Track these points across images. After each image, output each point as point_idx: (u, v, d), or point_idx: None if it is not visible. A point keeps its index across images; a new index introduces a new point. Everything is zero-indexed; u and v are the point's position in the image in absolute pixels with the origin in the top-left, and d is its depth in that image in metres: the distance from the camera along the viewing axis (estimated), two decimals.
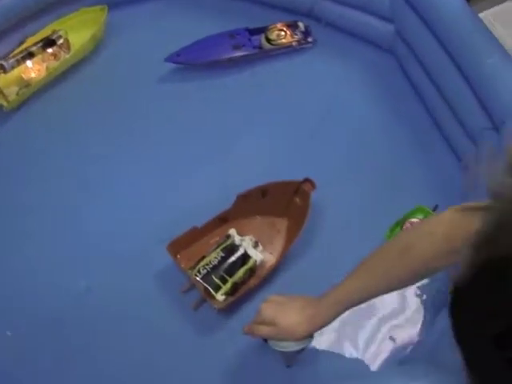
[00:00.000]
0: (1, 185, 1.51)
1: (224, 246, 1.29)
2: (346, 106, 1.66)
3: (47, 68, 1.69)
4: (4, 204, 1.47)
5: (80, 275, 1.33)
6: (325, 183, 1.36)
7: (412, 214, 1.37)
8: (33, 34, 1.74)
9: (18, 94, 1.64)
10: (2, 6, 1.63)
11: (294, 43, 1.75)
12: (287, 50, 1.77)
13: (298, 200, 1.38)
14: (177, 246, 1.30)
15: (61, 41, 1.68)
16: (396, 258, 0.97)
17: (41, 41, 1.66)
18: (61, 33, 1.69)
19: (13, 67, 1.60)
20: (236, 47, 1.72)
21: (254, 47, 1.73)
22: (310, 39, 1.78)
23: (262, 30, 1.77)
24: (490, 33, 1.39)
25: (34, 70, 1.68)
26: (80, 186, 1.49)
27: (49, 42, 1.67)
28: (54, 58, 1.70)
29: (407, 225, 1.35)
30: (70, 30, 1.73)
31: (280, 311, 1.05)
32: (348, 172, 1.50)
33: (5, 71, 1.58)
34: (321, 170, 1.45)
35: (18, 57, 1.61)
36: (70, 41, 1.71)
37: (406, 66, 1.71)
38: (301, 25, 1.80)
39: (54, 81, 1.71)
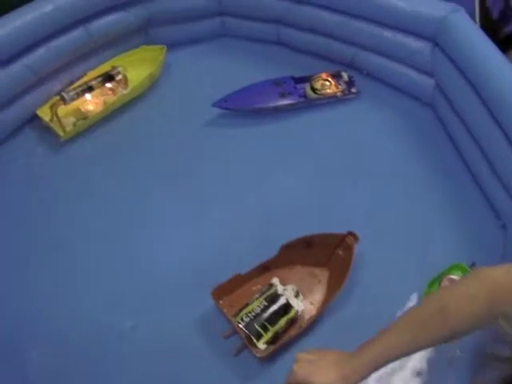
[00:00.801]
0: (49, 216, 1.56)
1: (267, 294, 1.32)
2: (386, 158, 1.70)
3: (105, 102, 1.76)
4: (53, 237, 1.52)
5: (126, 314, 1.37)
6: (364, 235, 1.38)
7: (449, 270, 1.38)
8: (93, 69, 1.83)
9: (74, 125, 1.71)
10: (65, 40, 1.71)
11: (338, 93, 1.80)
12: (331, 100, 1.81)
13: (340, 252, 1.40)
14: (220, 292, 1.33)
15: (119, 77, 1.75)
16: (434, 317, 0.97)
17: (100, 76, 1.73)
18: (120, 69, 1.76)
19: (73, 99, 1.66)
20: (282, 95, 1.77)
21: (300, 96, 1.78)
22: (353, 90, 1.83)
23: (307, 79, 1.82)
24: None
25: (92, 103, 1.75)
26: (127, 224, 1.54)
27: (108, 78, 1.74)
28: (112, 92, 1.78)
29: (445, 281, 1.36)
30: (128, 67, 1.81)
31: (313, 371, 1.03)
32: (387, 224, 1.53)
33: (65, 102, 1.65)
34: (360, 221, 1.49)
35: (78, 90, 1.67)
36: (128, 77, 1.78)
37: (445, 120, 1.76)
38: (344, 75, 1.85)
39: (110, 115, 1.79)
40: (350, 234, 1.38)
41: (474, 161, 1.61)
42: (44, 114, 1.71)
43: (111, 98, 1.77)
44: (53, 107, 1.65)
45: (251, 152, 1.71)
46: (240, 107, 1.75)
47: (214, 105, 1.72)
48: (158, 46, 1.90)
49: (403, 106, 1.84)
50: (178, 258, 1.47)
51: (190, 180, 1.64)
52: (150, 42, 1.95)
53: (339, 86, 1.81)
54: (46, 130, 1.73)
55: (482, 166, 1.57)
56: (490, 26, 1.91)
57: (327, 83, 1.80)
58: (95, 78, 1.71)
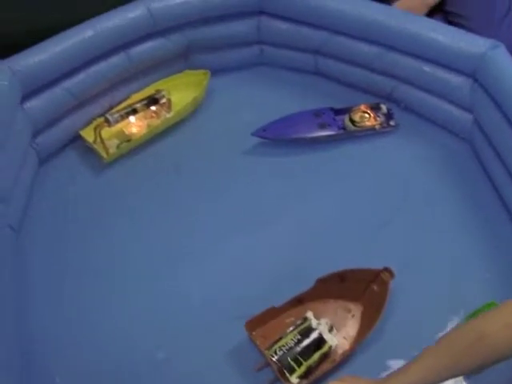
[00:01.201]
0: (86, 238, 1.59)
1: (301, 328, 1.33)
2: (421, 192, 1.70)
3: (148, 125, 1.79)
4: (89, 260, 1.55)
5: (158, 345, 1.37)
6: (397, 269, 1.39)
7: (484, 308, 1.36)
8: (137, 91, 1.86)
9: (118, 147, 1.73)
10: (105, 65, 1.75)
11: (376, 126, 1.81)
12: (369, 132, 1.82)
13: (375, 287, 1.41)
14: (254, 324, 1.34)
15: (163, 100, 1.78)
16: (468, 346, 0.99)
17: (145, 99, 1.76)
18: (164, 93, 1.78)
19: (117, 121, 1.69)
20: (321, 126, 1.79)
21: (339, 127, 1.79)
22: (392, 123, 1.84)
23: (347, 111, 1.83)
24: None
25: (135, 125, 1.78)
26: (165, 251, 1.56)
27: (152, 101, 1.76)
28: (156, 116, 1.81)
29: None
30: (172, 91, 1.84)
31: None
32: (420, 259, 1.53)
33: (109, 125, 1.68)
34: (393, 255, 1.50)
35: (123, 112, 1.70)
36: (172, 100, 1.81)
37: (482, 156, 1.75)
38: (383, 107, 1.86)
39: (151, 138, 1.81)
40: (386, 269, 1.39)
41: (511, 197, 1.60)
42: (87, 135, 1.74)
43: (155, 121, 1.80)
44: (97, 129, 1.67)
45: (288, 181, 1.72)
46: (279, 137, 1.77)
47: (253, 134, 1.74)
48: (202, 71, 1.93)
49: (440, 140, 1.84)
50: (212, 288, 1.48)
51: (225, 206, 1.65)
52: (190, 67, 1.98)
53: (378, 119, 1.82)
54: (87, 152, 1.76)
55: None
56: None
57: (366, 115, 1.81)
58: (140, 101, 1.74)
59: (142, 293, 1.47)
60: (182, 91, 1.89)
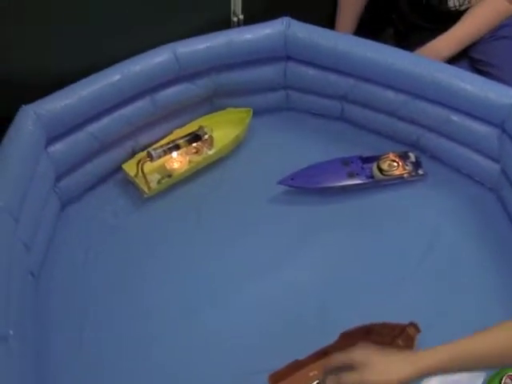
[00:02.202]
0: (105, 282, 1.60)
1: None
2: (447, 245, 1.70)
3: (190, 161, 1.83)
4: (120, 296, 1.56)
5: None
6: (422, 325, 1.37)
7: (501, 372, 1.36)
8: (180, 127, 1.91)
9: (159, 182, 1.77)
10: (135, 108, 1.78)
11: (405, 175, 1.81)
12: (397, 181, 1.83)
13: (400, 342, 1.39)
14: (277, 377, 1.34)
15: (206, 137, 1.81)
16: None
17: (188, 135, 1.79)
18: (206, 129, 1.81)
19: (159, 157, 1.72)
20: (350, 175, 1.79)
21: (367, 176, 1.79)
22: (420, 172, 1.84)
23: (375, 159, 1.83)
24: None
25: (177, 161, 1.82)
26: (187, 298, 1.58)
27: (195, 137, 1.80)
28: (197, 152, 1.84)
29: (506, 379, 1.35)
30: (215, 128, 1.87)
31: (376, 352, 1.10)
32: (446, 315, 1.52)
33: (151, 160, 1.71)
34: (418, 311, 1.47)
35: (165, 147, 1.73)
36: (214, 138, 1.84)
37: (509, 208, 1.75)
38: (412, 156, 1.87)
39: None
40: (412, 324, 1.37)
41: None
42: (129, 169, 1.78)
43: (196, 158, 1.85)
44: (139, 163, 1.71)
45: (313, 230, 1.73)
46: (306, 185, 1.77)
47: (279, 182, 1.75)
48: (244, 109, 1.98)
49: (467, 190, 1.84)
50: (235, 338, 1.48)
51: (250, 253, 1.67)
52: (215, 111, 2.00)
53: (406, 168, 1.82)
54: (108, 196, 1.81)
55: None
56: None
57: (395, 164, 1.82)
58: (183, 137, 1.78)
59: (159, 346, 1.47)
60: (224, 128, 1.93)
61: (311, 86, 2.01)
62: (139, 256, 1.66)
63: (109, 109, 1.72)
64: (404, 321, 1.38)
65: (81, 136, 1.68)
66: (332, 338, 1.38)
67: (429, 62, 1.81)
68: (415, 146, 1.94)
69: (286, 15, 1.93)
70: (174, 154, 1.81)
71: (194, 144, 1.83)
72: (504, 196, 1.77)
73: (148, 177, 1.75)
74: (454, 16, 1.98)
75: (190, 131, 1.83)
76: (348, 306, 1.53)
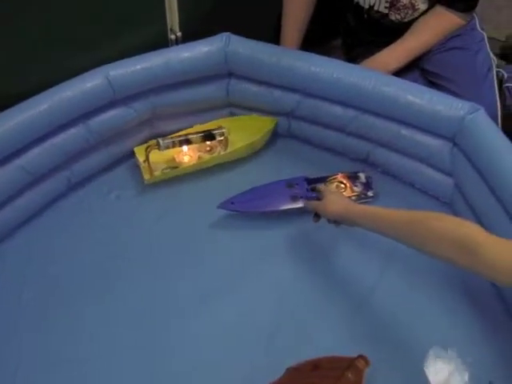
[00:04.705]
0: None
1: None
2: (402, 265, 1.68)
3: (199, 157, 1.84)
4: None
5: None
6: (373, 357, 1.34)
7: None
8: (202, 123, 1.93)
9: (162, 171, 1.79)
10: (68, 136, 1.73)
11: (353, 197, 1.78)
12: None
13: (350, 375, 1.36)
14: None
15: (221, 138, 1.82)
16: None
17: (203, 132, 1.80)
18: (224, 130, 1.81)
19: (167, 147, 1.74)
20: (294, 198, 1.75)
21: (313, 199, 1.73)
22: (370, 193, 1.81)
23: (322, 181, 1.80)
24: None
25: (187, 155, 1.85)
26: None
27: (209, 136, 1.80)
28: (209, 150, 1.87)
29: None
30: (234, 130, 1.87)
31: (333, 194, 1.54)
32: (395, 350, 1.49)
33: (159, 148, 1.73)
34: (368, 342, 1.47)
35: (176, 139, 1.76)
36: (231, 140, 1.86)
37: None
38: (362, 176, 1.84)
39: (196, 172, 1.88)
40: (361, 356, 1.34)
41: None
42: (140, 154, 1.83)
43: (206, 156, 1.87)
44: (147, 149, 1.75)
45: (253, 261, 1.69)
46: (247, 210, 1.74)
47: (219, 207, 1.71)
48: (270, 118, 1.98)
49: (421, 205, 1.82)
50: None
51: (197, 282, 1.64)
52: (156, 134, 1.95)
53: (355, 189, 1.80)
54: (40, 234, 1.75)
55: None
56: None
57: (342, 186, 1.80)
58: (197, 133, 1.80)
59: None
60: (242, 133, 1.93)
61: (255, 102, 1.99)
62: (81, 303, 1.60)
63: (39, 138, 1.66)
64: (357, 351, 1.35)
65: (9, 169, 1.61)
66: (282, 370, 1.36)
67: (376, 75, 1.79)
68: (366, 161, 1.93)
69: (228, 30, 1.90)
70: (185, 147, 1.85)
71: (209, 142, 1.87)
72: (458, 210, 1.76)
73: (155, 165, 1.80)
74: (401, 28, 1.95)
75: (207, 128, 1.85)
76: (299, 335, 1.50)
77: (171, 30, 1.96)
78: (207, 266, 1.67)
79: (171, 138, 1.79)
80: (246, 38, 1.90)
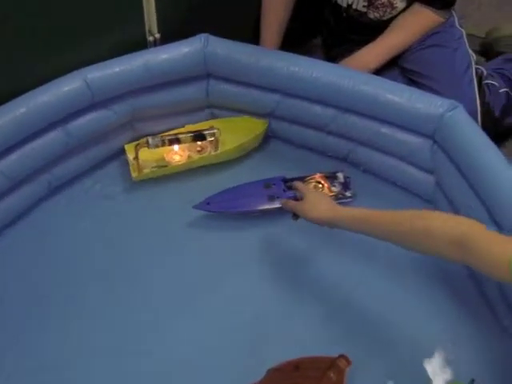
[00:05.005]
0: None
1: None
2: (385, 263, 1.69)
3: (189, 157, 1.85)
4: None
5: None
6: (355, 356, 1.35)
7: None
8: (194, 123, 1.95)
9: (151, 169, 1.80)
10: (47, 140, 1.72)
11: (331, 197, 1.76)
12: None
13: (332, 375, 1.36)
14: None
15: (211, 139, 1.82)
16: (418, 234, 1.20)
17: (193, 132, 1.81)
18: (215, 131, 1.81)
19: (156, 146, 1.75)
20: (271, 198, 1.75)
21: (289, 199, 1.73)
22: (348, 193, 1.81)
23: (299, 181, 1.78)
24: None
25: (177, 154, 1.86)
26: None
27: (199, 136, 1.81)
28: (200, 151, 1.88)
29: None
30: (225, 131, 1.87)
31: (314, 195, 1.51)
32: (376, 348, 1.50)
33: (148, 146, 1.74)
34: (348, 344, 1.45)
35: (166, 138, 1.77)
36: (222, 141, 1.86)
37: None
38: (340, 176, 1.84)
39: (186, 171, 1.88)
40: (342, 356, 1.35)
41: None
42: (130, 151, 1.84)
43: (196, 156, 1.88)
44: (137, 147, 1.76)
45: (229, 263, 1.68)
46: (224, 210, 1.74)
47: (195, 207, 1.71)
48: (262, 121, 1.98)
49: (403, 202, 1.83)
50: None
51: (172, 285, 1.63)
52: (138, 136, 1.96)
53: (333, 189, 1.80)
54: (16, 242, 1.73)
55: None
56: (491, 121, 1.92)
57: (320, 186, 1.80)
58: (187, 133, 1.81)
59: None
60: (233, 135, 1.93)
61: (235, 103, 1.99)
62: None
63: (17, 144, 1.65)
64: (338, 351, 1.36)
65: None
66: (263, 372, 1.36)
67: (355, 74, 1.80)
68: (347, 160, 1.93)
69: (207, 31, 1.90)
70: (176, 147, 1.86)
71: (199, 142, 1.88)
72: (440, 208, 1.76)
73: (143, 163, 1.81)
74: (380, 26, 1.96)
75: (198, 129, 1.86)
76: (280, 336, 1.50)
77: (149, 31, 1.95)
78: (188, 266, 1.68)
79: (161, 136, 1.80)
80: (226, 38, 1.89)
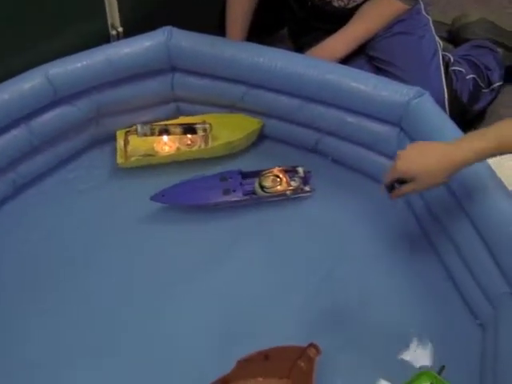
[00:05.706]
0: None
1: None
2: (356, 253, 1.70)
3: (177, 149, 1.86)
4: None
5: None
6: (326, 347, 1.36)
7: (417, 379, 1.33)
8: (188, 115, 1.95)
9: (137, 157, 1.81)
10: (9, 138, 1.71)
11: (288, 192, 1.77)
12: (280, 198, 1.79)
13: (302, 364, 1.37)
14: None
15: (202, 133, 1.82)
16: None
17: (184, 124, 1.82)
18: (207, 126, 1.81)
19: (144, 134, 1.77)
20: (226, 192, 1.75)
21: (246, 193, 1.74)
22: (307, 188, 1.81)
23: (256, 174, 1.80)
24: None
25: (167, 145, 1.86)
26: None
27: (189, 129, 1.81)
28: (190, 144, 1.87)
29: None
30: (217, 127, 1.87)
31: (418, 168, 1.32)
32: (352, 335, 1.51)
33: (137, 134, 1.75)
34: (321, 333, 1.48)
35: (155, 128, 1.78)
36: (213, 136, 1.87)
37: (416, 209, 1.76)
38: (300, 170, 1.84)
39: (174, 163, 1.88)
40: (312, 345, 1.36)
41: (452, 263, 1.61)
42: (120, 137, 1.85)
43: (184, 148, 1.87)
44: (127, 133, 1.77)
45: (187, 255, 1.69)
46: (178, 202, 1.74)
47: (151, 198, 1.71)
48: (257, 120, 1.96)
49: (371, 191, 1.82)
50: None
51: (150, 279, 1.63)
52: (103, 131, 1.95)
53: (292, 183, 1.79)
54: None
55: (462, 273, 1.56)
56: (458, 108, 1.93)
57: (278, 180, 1.78)
58: (178, 125, 1.82)
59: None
60: (227, 131, 1.93)
61: (201, 96, 1.99)
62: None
63: None
64: (311, 340, 1.38)
65: None
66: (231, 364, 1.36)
67: (320, 63, 1.80)
68: (315, 150, 1.92)
69: (170, 24, 1.89)
70: (165, 137, 1.86)
71: (190, 136, 1.87)
72: (409, 196, 1.76)
73: (131, 151, 1.83)
74: (345, 14, 1.96)
75: (191, 122, 1.86)
76: (252, 326, 1.52)
77: (112, 25, 1.94)
78: (164, 259, 1.68)
79: (151, 125, 1.81)
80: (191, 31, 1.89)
